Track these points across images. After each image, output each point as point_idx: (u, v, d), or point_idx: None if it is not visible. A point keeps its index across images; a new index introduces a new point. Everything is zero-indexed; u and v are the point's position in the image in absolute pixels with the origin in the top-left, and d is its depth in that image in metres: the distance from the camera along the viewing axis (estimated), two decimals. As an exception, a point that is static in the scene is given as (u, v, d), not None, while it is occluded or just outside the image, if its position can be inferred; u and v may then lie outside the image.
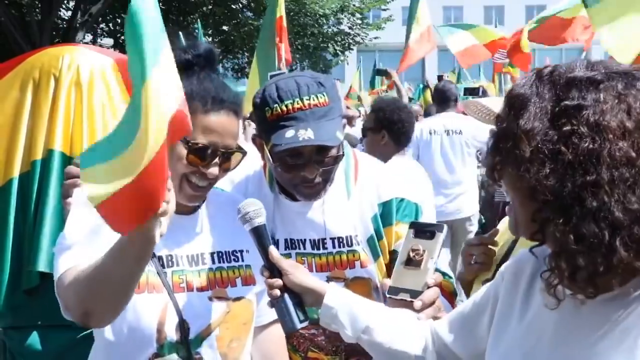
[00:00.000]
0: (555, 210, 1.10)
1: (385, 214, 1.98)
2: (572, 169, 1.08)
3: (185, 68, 1.67)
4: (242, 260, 1.80)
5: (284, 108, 1.77)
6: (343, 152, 1.87)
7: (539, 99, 1.15)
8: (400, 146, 4.10)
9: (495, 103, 1.82)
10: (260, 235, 1.63)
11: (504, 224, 2.01)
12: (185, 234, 1.73)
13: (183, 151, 1.62)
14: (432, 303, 1.60)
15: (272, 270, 1.61)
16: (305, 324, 1.61)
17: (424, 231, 1.67)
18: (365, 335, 1.53)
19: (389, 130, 4.03)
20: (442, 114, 6.35)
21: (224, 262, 1.76)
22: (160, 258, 1.68)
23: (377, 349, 1.54)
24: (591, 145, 1.07)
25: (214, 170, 1.65)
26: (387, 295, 1.62)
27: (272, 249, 1.62)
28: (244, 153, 1.73)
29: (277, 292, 1.58)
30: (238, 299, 1.74)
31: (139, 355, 1.64)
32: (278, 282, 1.59)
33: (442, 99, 6.44)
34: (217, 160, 1.65)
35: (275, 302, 1.60)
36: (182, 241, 1.72)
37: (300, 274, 1.61)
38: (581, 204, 1.07)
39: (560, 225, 1.09)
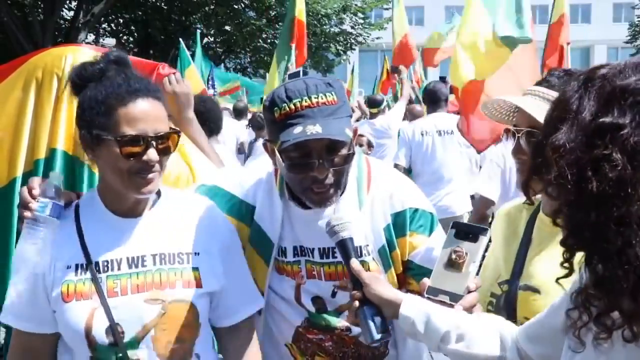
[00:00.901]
0: (577, 243, 0.97)
1: (399, 224, 1.94)
2: (597, 199, 0.92)
3: (98, 78, 1.72)
4: (188, 263, 1.78)
5: (292, 106, 1.75)
6: (353, 152, 1.84)
7: (581, 110, 0.98)
8: (213, 134, 4.32)
9: (519, 99, 1.77)
10: (344, 248, 1.71)
11: (495, 225, 1.99)
12: (127, 237, 1.75)
13: (116, 148, 1.65)
14: (472, 307, 1.60)
15: (355, 281, 1.66)
16: (383, 335, 1.63)
17: (466, 232, 1.65)
18: (444, 344, 1.52)
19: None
20: (433, 115, 6.33)
21: (165, 263, 1.75)
22: (97, 264, 1.71)
23: (458, 355, 1.52)
24: (623, 174, 0.91)
25: (152, 156, 1.66)
26: (426, 296, 1.62)
27: (353, 261, 1.67)
28: (178, 133, 1.76)
29: (356, 303, 1.63)
30: (175, 301, 1.73)
31: (80, 358, 1.72)
32: (357, 293, 1.64)
33: (433, 100, 6.38)
34: (152, 146, 1.67)
35: (357, 313, 1.64)
36: (123, 244, 1.74)
37: (377, 285, 1.62)
38: (604, 241, 0.91)
39: (584, 261, 0.95)
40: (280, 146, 1.75)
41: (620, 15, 47.16)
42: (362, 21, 24.73)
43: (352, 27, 24.72)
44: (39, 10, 18.32)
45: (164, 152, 1.71)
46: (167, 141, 1.71)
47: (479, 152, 5.27)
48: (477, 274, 1.66)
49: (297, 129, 1.72)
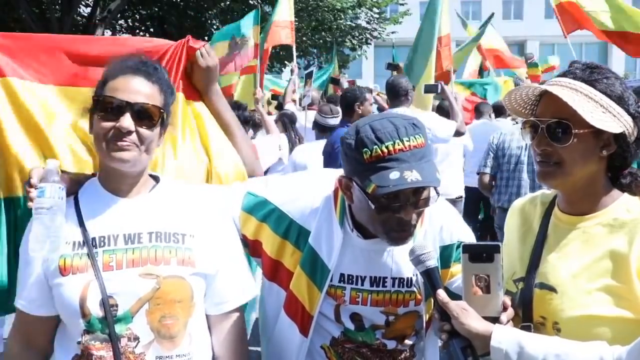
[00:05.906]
0: None
1: (445, 256, 1.98)
2: None
3: None
4: (183, 243, 1.82)
5: (384, 149, 1.72)
6: (438, 193, 1.83)
7: None
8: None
9: (553, 88, 1.68)
10: (431, 277, 1.70)
11: (509, 220, 1.96)
12: (124, 215, 1.82)
13: (95, 112, 1.79)
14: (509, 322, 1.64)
15: (442, 312, 1.64)
16: None
17: (479, 253, 1.65)
18: None
19: None
20: (395, 110, 6.04)
21: (161, 241, 1.80)
22: (93, 239, 1.78)
23: None
24: None
25: (124, 122, 1.74)
26: None
27: (440, 292, 1.65)
28: (160, 109, 1.82)
29: (444, 335, 1.61)
30: (170, 277, 1.77)
31: (73, 332, 1.77)
32: (446, 325, 1.62)
33: (393, 94, 6.16)
34: (127, 115, 1.75)
35: (446, 345, 1.62)
36: (120, 222, 1.81)
37: (466, 318, 1.59)
38: None
39: None
40: (374, 190, 1.72)
41: (639, 9, 46.48)
42: (377, 16, 24.62)
43: (368, 22, 24.61)
44: (57, 7, 18.45)
45: (145, 126, 1.78)
46: (146, 114, 1.78)
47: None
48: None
49: (394, 174, 1.70)
